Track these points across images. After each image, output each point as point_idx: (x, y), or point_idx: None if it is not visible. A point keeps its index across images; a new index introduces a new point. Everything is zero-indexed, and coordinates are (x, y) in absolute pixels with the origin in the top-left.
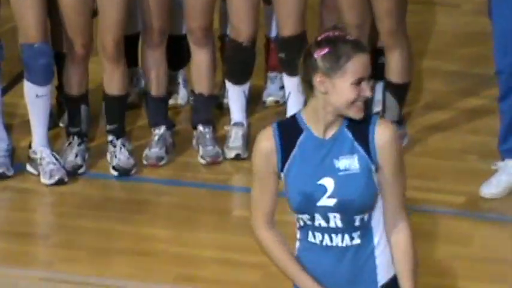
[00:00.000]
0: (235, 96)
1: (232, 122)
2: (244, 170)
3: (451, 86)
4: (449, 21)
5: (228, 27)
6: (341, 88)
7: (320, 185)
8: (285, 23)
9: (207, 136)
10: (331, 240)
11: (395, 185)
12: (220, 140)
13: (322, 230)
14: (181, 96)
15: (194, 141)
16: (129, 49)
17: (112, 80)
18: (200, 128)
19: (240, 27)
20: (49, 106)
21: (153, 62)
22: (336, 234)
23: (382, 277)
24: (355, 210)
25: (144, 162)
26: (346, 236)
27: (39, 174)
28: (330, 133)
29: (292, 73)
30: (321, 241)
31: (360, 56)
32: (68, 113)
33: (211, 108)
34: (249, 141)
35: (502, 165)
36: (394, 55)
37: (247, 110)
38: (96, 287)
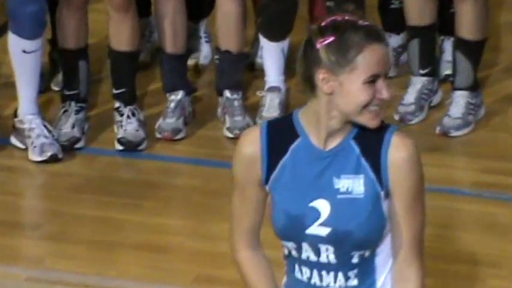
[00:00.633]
0: (271, 55)
1: (266, 87)
2: None
3: None
4: None
5: None
6: (350, 88)
7: (312, 207)
8: None
9: (236, 104)
10: (321, 279)
11: (408, 222)
12: (252, 109)
13: (311, 265)
14: (204, 55)
15: (219, 110)
16: None
17: (119, 33)
18: (227, 93)
19: None
20: (40, 64)
21: (169, 10)
22: (328, 272)
23: None
24: (353, 244)
25: (157, 135)
26: (340, 275)
27: (26, 149)
28: (332, 144)
29: None
30: (309, 278)
31: (375, 47)
32: (63, 72)
33: (241, 70)
34: (287, 110)
35: None
36: (466, 6)
37: (285, 73)
38: None
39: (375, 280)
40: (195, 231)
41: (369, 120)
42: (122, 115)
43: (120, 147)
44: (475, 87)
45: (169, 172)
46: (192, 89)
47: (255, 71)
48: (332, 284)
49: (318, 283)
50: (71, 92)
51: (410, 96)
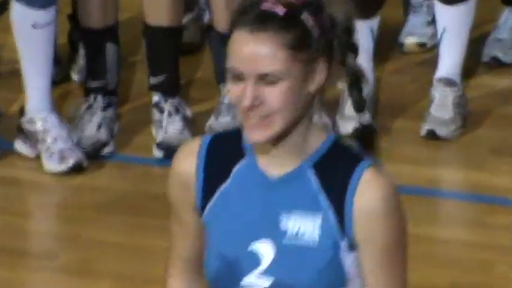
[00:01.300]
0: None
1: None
2: None
3: None
4: None
5: None
6: None
7: (251, 252)
8: None
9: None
10: None
11: (381, 283)
12: (330, 106)
13: None
14: None
15: None
16: None
17: (158, 5)
18: None
19: None
20: (54, 44)
21: None
22: None
23: None
24: None
25: None
26: None
27: (38, 157)
28: (283, 169)
29: None
30: None
31: (245, 36)
32: (86, 58)
33: None
34: (375, 106)
35: None
36: None
37: (374, 58)
38: None
39: None
40: None
41: (247, 130)
42: (161, 112)
43: (160, 154)
44: None
45: None
46: None
47: None
48: None
49: None
50: (97, 84)
51: None
